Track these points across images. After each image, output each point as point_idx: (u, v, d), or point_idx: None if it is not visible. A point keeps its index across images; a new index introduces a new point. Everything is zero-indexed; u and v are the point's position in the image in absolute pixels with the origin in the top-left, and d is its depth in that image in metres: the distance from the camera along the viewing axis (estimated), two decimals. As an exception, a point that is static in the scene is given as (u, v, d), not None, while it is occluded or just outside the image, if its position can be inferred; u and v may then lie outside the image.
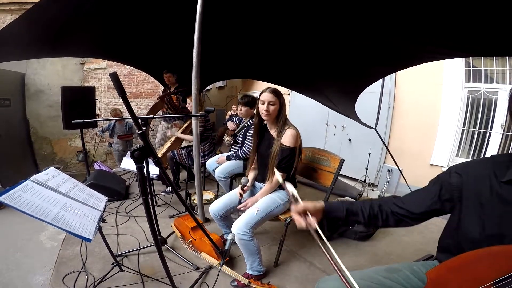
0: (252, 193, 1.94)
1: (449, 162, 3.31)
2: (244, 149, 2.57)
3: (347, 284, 0.72)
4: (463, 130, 3.33)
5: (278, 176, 1.12)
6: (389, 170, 3.76)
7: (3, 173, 3.72)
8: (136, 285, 1.65)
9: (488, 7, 1.19)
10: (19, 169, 4.37)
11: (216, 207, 1.85)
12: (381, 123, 3.44)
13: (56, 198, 1.29)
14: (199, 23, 1.94)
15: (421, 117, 3.57)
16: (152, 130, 5.34)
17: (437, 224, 2.05)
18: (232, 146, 3.01)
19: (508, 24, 1.23)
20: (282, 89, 2.15)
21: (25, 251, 2.09)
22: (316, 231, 0.85)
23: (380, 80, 2.75)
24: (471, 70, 3.26)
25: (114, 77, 0.85)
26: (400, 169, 3.40)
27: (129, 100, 0.90)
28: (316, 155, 2.21)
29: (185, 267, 1.87)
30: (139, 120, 1.07)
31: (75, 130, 4.63)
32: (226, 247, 1.34)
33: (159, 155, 3.38)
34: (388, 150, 3.52)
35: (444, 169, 0.98)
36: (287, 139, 1.69)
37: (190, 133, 2.33)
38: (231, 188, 2.63)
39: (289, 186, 0.97)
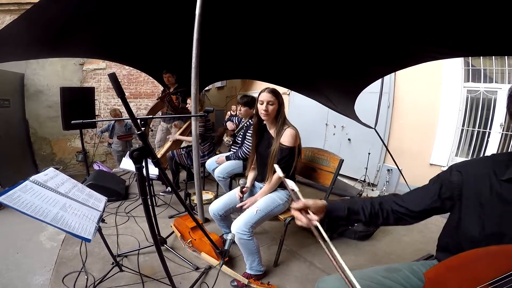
0: (252, 193, 1.94)
1: (448, 162, 3.32)
2: (244, 149, 2.57)
3: (347, 282, 0.72)
4: (462, 130, 3.33)
5: (278, 171, 1.09)
6: (388, 170, 3.77)
7: (3, 174, 3.72)
8: (136, 285, 1.65)
9: (487, 7, 1.19)
10: (19, 170, 4.37)
11: (215, 207, 1.85)
12: (381, 123, 3.44)
13: (56, 199, 1.29)
14: (198, 24, 1.94)
15: (421, 116, 3.57)
16: (152, 130, 5.34)
17: (437, 223, 2.06)
18: (232, 146, 3.01)
19: (507, 24, 1.24)
20: (281, 89, 2.16)
21: (25, 252, 2.09)
22: (317, 228, 0.84)
23: (380, 80, 2.75)
24: (470, 69, 3.26)
25: (113, 77, 0.85)
26: (400, 168, 3.40)
27: (128, 100, 0.90)
28: (315, 155, 2.21)
29: (185, 267, 1.87)
30: (138, 121, 1.06)
31: (75, 131, 4.64)
32: (226, 247, 1.33)
33: (159, 156, 3.38)
34: (387, 149, 3.53)
35: (444, 169, 0.98)
36: (286, 138, 1.70)
37: (190, 133, 2.33)
38: (230, 188, 2.63)
39: (290, 182, 0.96)
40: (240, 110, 2.79)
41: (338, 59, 2.25)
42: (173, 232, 2.30)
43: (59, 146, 5.70)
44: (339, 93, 2.82)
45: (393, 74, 3.72)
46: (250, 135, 2.27)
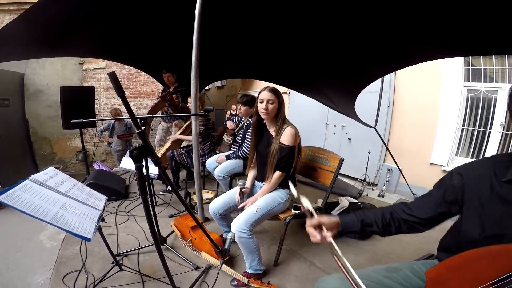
0: (252, 192, 1.94)
1: (448, 161, 3.31)
2: (244, 148, 2.57)
3: None
4: (462, 129, 3.33)
5: (293, 191, 1.13)
6: (388, 169, 3.76)
7: (3, 173, 3.71)
8: (136, 285, 1.65)
9: (487, 7, 1.19)
10: (19, 169, 4.36)
11: (215, 206, 1.85)
12: (381, 122, 3.43)
13: (55, 198, 1.29)
14: (198, 23, 1.94)
15: (421, 116, 3.56)
16: (152, 129, 5.34)
17: (437, 223, 2.05)
18: (232, 146, 3.01)
19: (507, 23, 1.23)
20: (281, 89, 2.15)
21: (25, 251, 2.09)
22: (331, 244, 0.85)
23: (380, 79, 2.74)
24: (471, 69, 3.25)
25: (113, 76, 0.84)
26: (400, 168, 3.40)
27: (128, 100, 0.89)
28: (315, 154, 2.21)
29: (185, 266, 1.87)
30: (138, 120, 1.06)
31: (75, 130, 4.64)
32: (226, 246, 1.33)
33: (159, 155, 3.38)
34: (387, 149, 3.52)
35: (444, 168, 0.98)
36: (286, 138, 1.70)
37: (191, 133, 2.33)
38: (230, 187, 2.63)
39: (305, 201, 0.96)
40: (240, 109, 2.79)
41: (338, 59, 2.24)
42: (173, 231, 2.30)
43: (59, 146, 5.70)
44: (339, 93, 2.82)
45: (393, 73, 3.71)
46: (250, 134, 2.27)
